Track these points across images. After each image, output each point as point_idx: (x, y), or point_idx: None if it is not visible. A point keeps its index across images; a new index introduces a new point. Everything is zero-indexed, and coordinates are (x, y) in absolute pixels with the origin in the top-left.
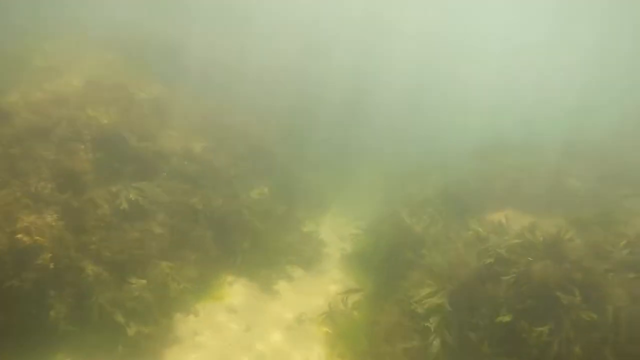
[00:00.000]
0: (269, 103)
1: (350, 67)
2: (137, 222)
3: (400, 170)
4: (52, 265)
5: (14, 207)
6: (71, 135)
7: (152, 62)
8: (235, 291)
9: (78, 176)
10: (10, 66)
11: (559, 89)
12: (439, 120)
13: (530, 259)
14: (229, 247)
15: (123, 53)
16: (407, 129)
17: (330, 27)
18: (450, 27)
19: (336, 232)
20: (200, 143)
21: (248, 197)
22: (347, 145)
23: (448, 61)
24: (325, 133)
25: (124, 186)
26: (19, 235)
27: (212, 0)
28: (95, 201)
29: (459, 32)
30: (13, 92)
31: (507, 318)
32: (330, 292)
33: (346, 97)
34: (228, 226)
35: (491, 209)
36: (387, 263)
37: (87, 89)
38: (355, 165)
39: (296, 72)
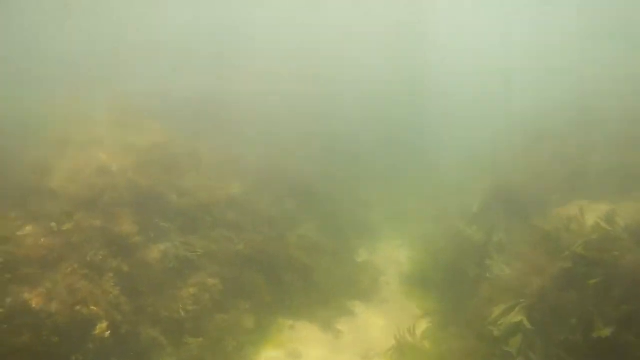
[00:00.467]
0: (303, 141)
1: (379, 88)
2: (190, 277)
3: (448, 179)
4: (107, 334)
5: (74, 279)
6: (115, 201)
7: (186, 119)
8: (297, 335)
9: (126, 240)
10: (50, 144)
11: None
12: (474, 122)
13: (617, 253)
14: (283, 289)
15: (157, 114)
16: (447, 138)
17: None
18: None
19: (392, 256)
20: (239, 189)
21: (294, 235)
22: (389, 167)
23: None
24: (363, 160)
25: (172, 244)
26: (78, 307)
27: (239, 52)
28: (146, 262)
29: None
30: (58, 170)
31: (605, 332)
32: (396, 323)
33: (378, 119)
34: (278, 268)
35: (556, 203)
36: (450, 281)
37: (126, 154)
38: (401, 185)
39: (326, 112)
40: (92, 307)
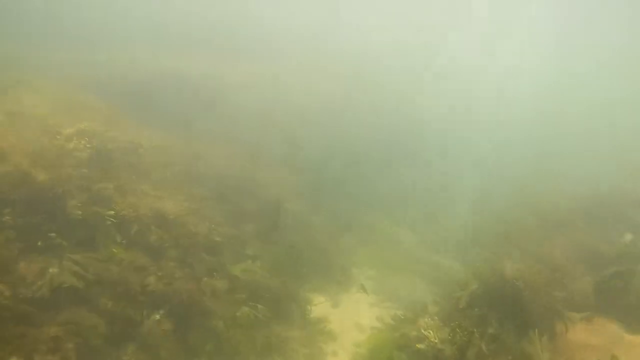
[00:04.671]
0: (298, 150)
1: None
2: (65, 310)
3: (451, 230)
4: None
5: None
6: None
7: (142, 104)
8: None
9: None
10: None
11: None
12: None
13: None
14: (192, 344)
15: (113, 92)
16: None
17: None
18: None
19: (357, 316)
20: (181, 202)
21: (231, 274)
22: (391, 199)
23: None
24: (360, 185)
25: (58, 261)
26: None
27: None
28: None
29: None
30: None
31: None
32: None
33: (390, 138)
34: (193, 315)
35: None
36: None
37: (33, 139)
38: (400, 223)
39: (337, 114)
40: None
